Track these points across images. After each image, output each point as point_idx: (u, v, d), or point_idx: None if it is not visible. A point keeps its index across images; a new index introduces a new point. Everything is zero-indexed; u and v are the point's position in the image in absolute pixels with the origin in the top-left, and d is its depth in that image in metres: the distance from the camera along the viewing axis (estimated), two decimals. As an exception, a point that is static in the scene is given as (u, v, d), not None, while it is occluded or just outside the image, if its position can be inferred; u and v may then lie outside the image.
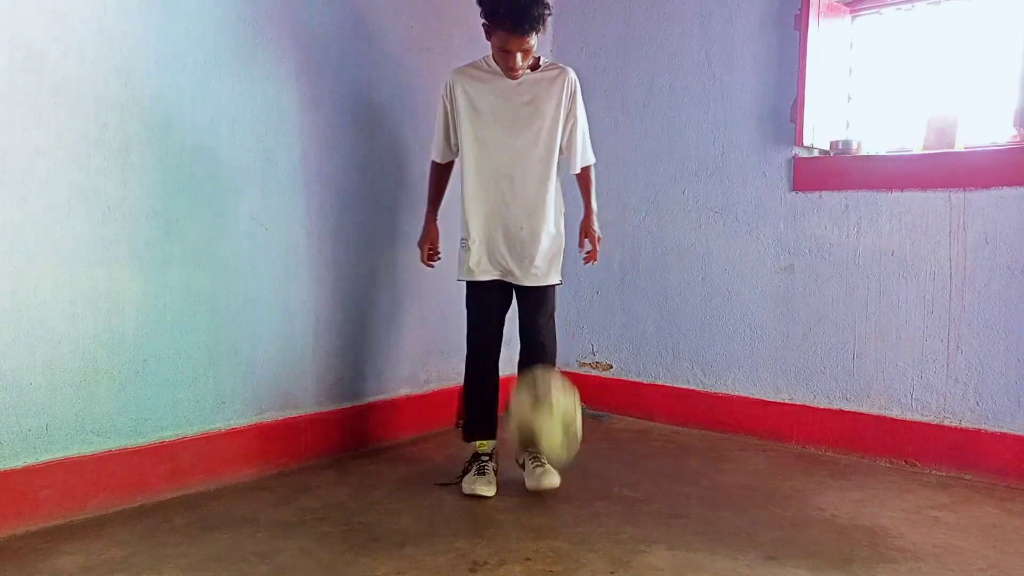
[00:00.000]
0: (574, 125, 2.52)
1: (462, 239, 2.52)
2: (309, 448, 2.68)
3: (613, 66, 3.47)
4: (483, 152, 2.45)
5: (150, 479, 2.27)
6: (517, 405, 2.31)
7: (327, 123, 2.70)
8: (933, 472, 2.72)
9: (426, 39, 3.05)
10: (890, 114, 3.03)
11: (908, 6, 2.93)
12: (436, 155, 2.58)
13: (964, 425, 2.69)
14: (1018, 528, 2.21)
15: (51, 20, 2.04)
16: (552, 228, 2.50)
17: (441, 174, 2.63)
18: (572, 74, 2.51)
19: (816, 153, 3.02)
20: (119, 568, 1.84)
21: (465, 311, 2.56)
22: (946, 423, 2.72)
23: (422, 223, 2.65)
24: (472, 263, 2.48)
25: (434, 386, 3.15)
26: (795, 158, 3.02)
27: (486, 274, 2.49)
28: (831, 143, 3.01)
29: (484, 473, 2.44)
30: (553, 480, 2.40)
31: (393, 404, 2.99)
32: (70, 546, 1.95)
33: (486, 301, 2.53)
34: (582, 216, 2.61)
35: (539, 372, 2.37)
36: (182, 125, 2.31)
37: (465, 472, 2.47)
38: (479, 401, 2.56)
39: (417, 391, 3.09)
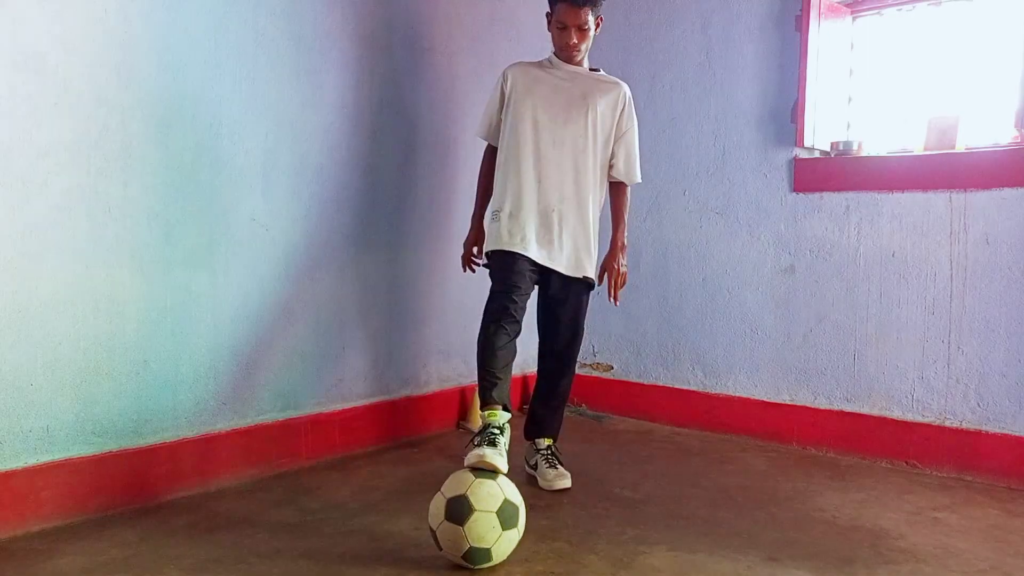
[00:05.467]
0: (626, 139, 2.57)
1: (493, 211, 2.51)
2: (309, 449, 2.68)
3: (614, 67, 3.42)
4: (530, 131, 2.47)
5: (151, 480, 2.27)
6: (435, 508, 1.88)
7: (327, 124, 2.70)
8: (934, 473, 2.72)
9: (426, 38, 3.04)
10: (891, 115, 3.02)
11: (909, 7, 2.94)
12: (485, 133, 2.61)
13: (965, 426, 2.68)
14: (1019, 529, 2.21)
15: (52, 21, 2.04)
16: (586, 224, 2.48)
17: (491, 164, 2.60)
18: (627, 89, 2.57)
19: (817, 154, 3.02)
20: (119, 569, 1.84)
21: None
22: (947, 424, 2.72)
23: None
24: (503, 231, 2.44)
25: (435, 387, 3.15)
26: (796, 159, 3.02)
27: (515, 246, 2.43)
28: (832, 144, 3.01)
29: (495, 445, 2.06)
30: (565, 482, 2.46)
31: (393, 405, 2.98)
32: (71, 547, 1.95)
33: (512, 265, 2.42)
34: (608, 248, 2.59)
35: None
36: (183, 126, 2.31)
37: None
38: (490, 358, 2.33)
39: (418, 392, 3.09)
